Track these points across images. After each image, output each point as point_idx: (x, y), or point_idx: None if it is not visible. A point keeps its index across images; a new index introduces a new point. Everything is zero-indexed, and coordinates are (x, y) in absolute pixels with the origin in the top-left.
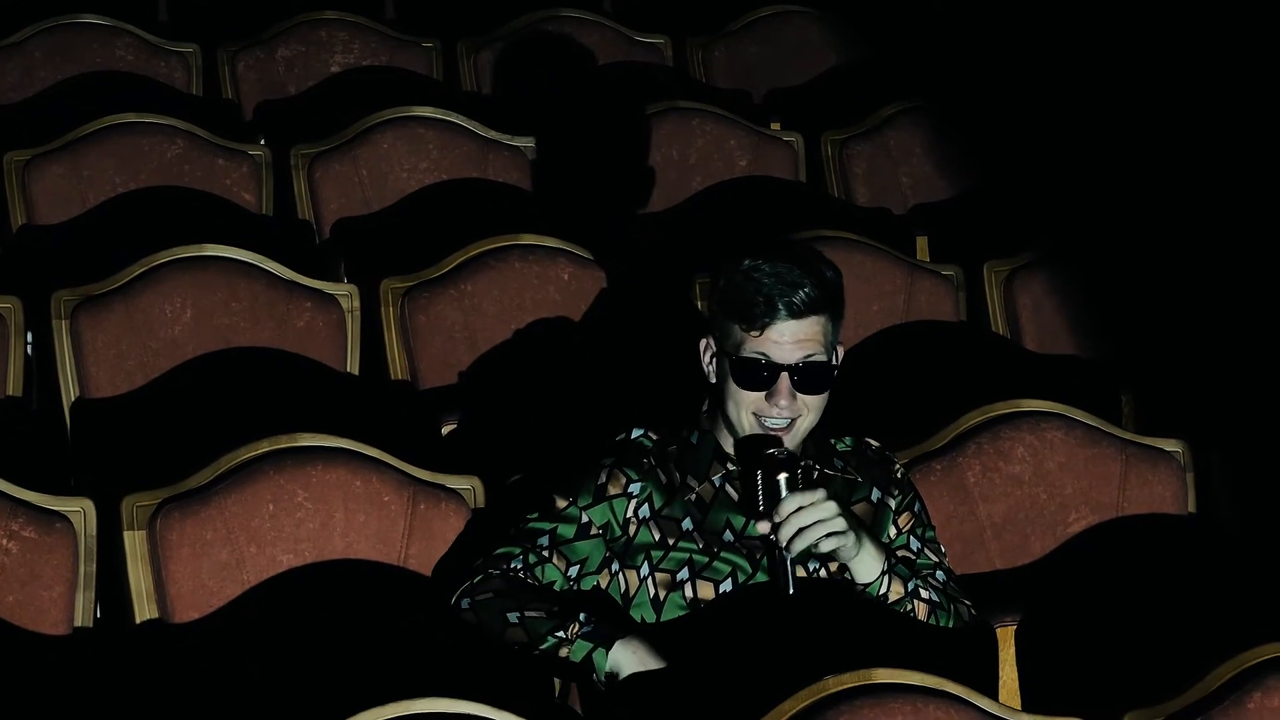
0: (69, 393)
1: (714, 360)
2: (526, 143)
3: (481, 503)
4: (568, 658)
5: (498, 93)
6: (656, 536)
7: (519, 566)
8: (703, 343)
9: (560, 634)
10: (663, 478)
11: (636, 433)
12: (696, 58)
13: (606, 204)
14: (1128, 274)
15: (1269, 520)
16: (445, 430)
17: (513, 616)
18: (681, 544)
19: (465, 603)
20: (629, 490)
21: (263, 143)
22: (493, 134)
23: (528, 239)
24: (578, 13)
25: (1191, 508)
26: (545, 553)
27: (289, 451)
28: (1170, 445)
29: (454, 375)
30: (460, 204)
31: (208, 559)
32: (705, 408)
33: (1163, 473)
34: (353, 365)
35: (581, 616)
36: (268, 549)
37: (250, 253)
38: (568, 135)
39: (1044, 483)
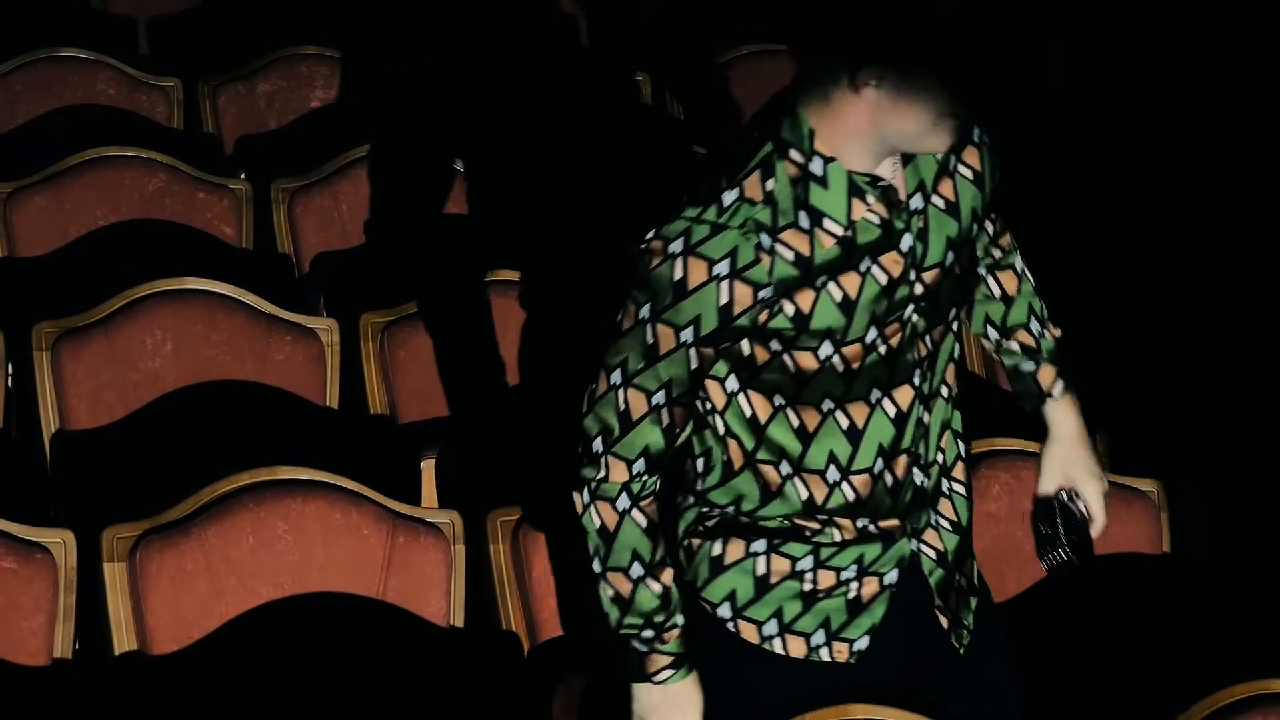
0: (49, 424)
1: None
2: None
3: (460, 536)
4: (634, 649)
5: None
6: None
7: (656, 449)
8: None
9: (651, 630)
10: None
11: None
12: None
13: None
14: (1099, 310)
15: (1242, 557)
16: (424, 464)
17: (635, 570)
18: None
19: (593, 507)
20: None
21: (243, 176)
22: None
23: (504, 274)
24: None
25: (1166, 547)
26: (667, 413)
27: (269, 484)
28: (1145, 485)
29: (433, 409)
30: (442, 237)
31: (187, 591)
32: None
33: (1137, 511)
34: (332, 399)
35: (680, 620)
36: (247, 581)
37: (231, 286)
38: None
39: (1020, 521)
